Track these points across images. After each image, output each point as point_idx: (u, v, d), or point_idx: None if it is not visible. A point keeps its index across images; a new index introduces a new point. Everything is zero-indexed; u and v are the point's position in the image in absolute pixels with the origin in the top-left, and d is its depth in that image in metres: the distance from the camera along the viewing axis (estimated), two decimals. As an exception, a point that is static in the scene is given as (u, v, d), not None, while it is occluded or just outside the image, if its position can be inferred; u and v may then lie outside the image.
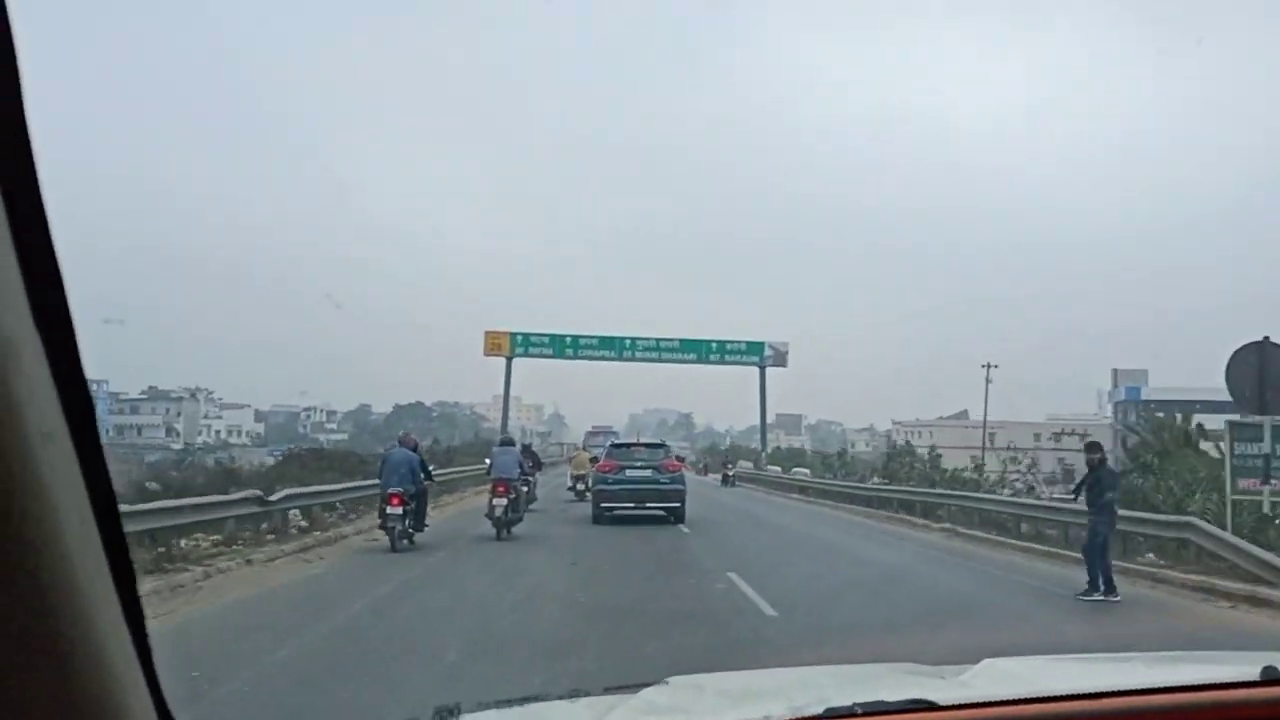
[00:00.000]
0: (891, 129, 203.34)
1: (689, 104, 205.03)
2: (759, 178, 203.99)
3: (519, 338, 46.35)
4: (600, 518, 17.72)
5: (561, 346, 46.39)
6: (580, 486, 26.30)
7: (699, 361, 47.08)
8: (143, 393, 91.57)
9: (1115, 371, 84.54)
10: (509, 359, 46.24)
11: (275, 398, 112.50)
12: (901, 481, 28.04)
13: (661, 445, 20.86)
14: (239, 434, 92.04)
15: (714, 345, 47.06)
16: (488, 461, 16.51)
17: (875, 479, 31.14)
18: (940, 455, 33.18)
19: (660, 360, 47.07)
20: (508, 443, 16.61)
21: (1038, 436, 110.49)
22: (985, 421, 68.31)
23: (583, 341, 46.58)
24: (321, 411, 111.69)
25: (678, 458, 21.80)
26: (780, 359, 47.24)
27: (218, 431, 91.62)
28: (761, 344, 47.20)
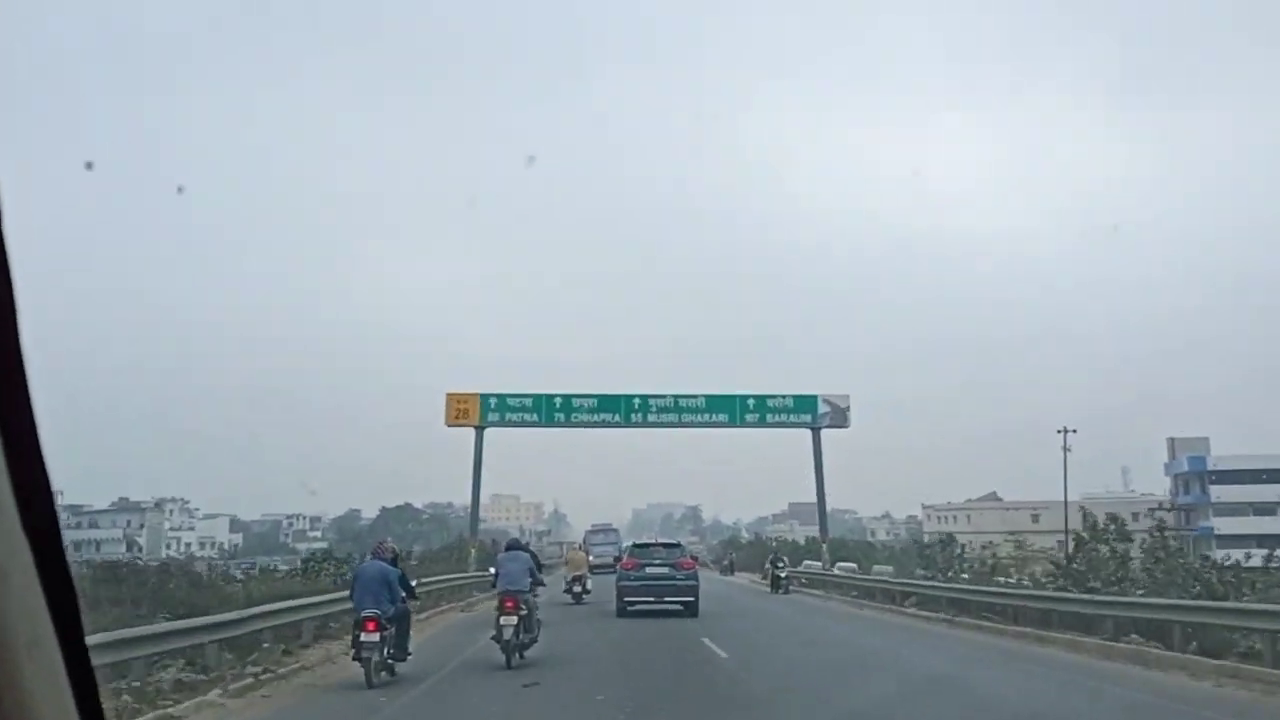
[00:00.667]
0: (914, 220, 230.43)
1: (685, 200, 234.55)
2: (762, 258, 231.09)
3: (491, 401, 47.22)
4: (623, 611, 24.51)
5: (549, 410, 47.21)
6: (577, 588, 29.41)
7: (730, 424, 47.82)
8: (112, 504, 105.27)
9: (1172, 441, 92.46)
10: (479, 429, 46.97)
11: (266, 506, 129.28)
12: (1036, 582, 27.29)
13: (677, 545, 28.61)
14: (211, 546, 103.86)
15: (751, 402, 47.84)
16: (492, 570, 17.53)
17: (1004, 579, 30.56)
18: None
19: (679, 424, 47.82)
20: (516, 546, 17.33)
21: (1085, 515, 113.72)
22: (1066, 501, 73.70)
23: (576, 403, 47.41)
24: (304, 519, 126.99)
25: (691, 556, 28.49)
26: (840, 417, 48.01)
27: (188, 544, 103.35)
28: (814, 398, 48.01)
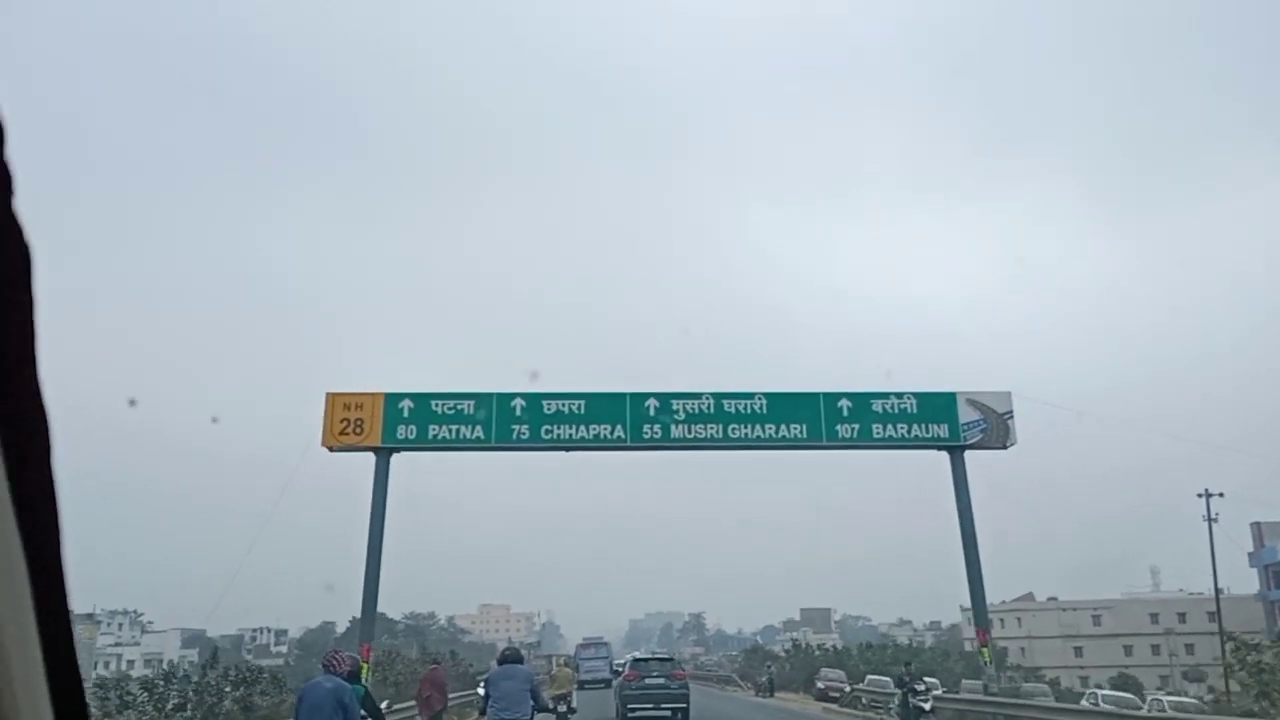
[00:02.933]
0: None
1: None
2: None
3: (403, 406, 27.52)
4: (625, 717, 28.67)
5: (505, 421, 27.45)
6: (561, 708, 26.51)
7: (811, 443, 27.96)
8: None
9: (1258, 527, 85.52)
10: (381, 453, 27.29)
11: (245, 619, 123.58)
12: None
13: (670, 659, 33.29)
14: (158, 664, 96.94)
15: (848, 404, 28.04)
16: (481, 690, 17.22)
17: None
18: None
19: (725, 443, 27.92)
20: (513, 659, 12.97)
21: (1155, 618, 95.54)
22: (1217, 590, 67.17)
23: (549, 410, 27.64)
24: (269, 632, 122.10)
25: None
26: (996, 430, 28.13)
27: (130, 662, 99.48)
28: (951, 397, 28.26)
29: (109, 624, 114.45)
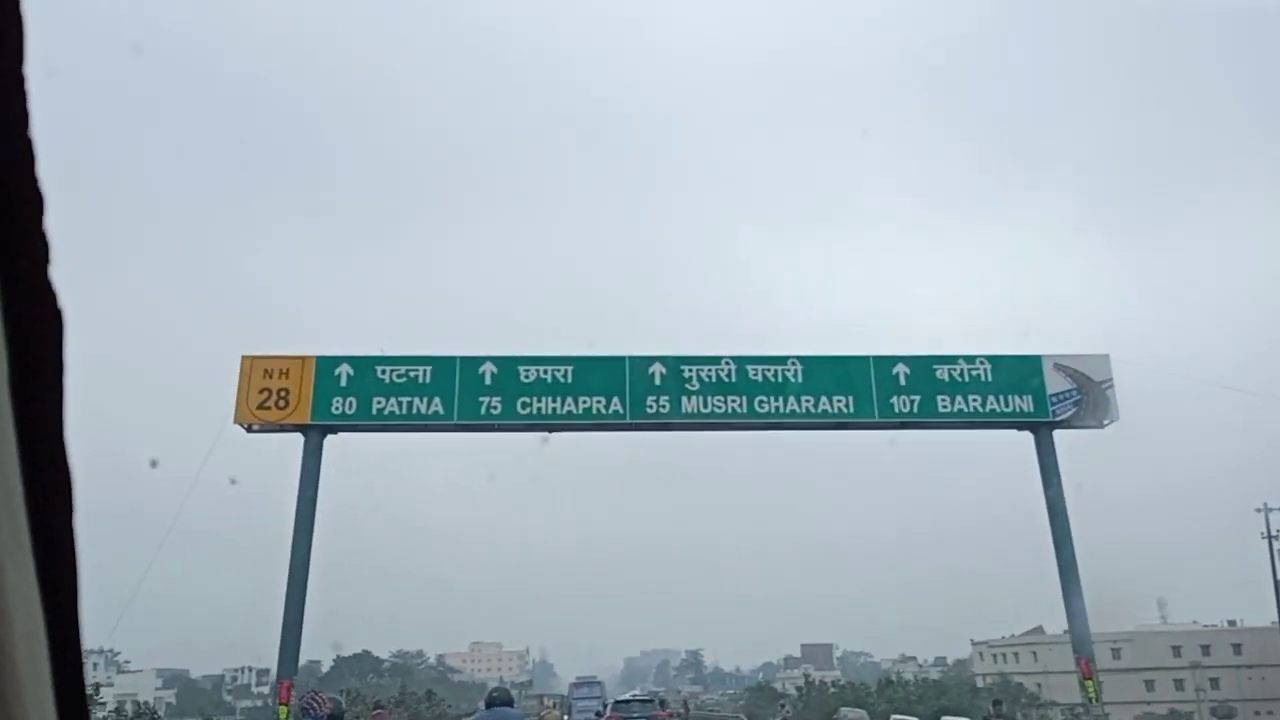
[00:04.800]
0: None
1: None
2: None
3: (340, 372, 21.41)
4: None
5: (469, 393, 21.34)
6: None
7: (858, 421, 21.86)
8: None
9: None
10: (309, 430, 21.15)
11: (228, 659, 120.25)
12: None
13: (651, 700, 39.28)
14: (126, 706, 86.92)
15: (905, 371, 21.99)
16: None
17: None
18: None
19: (751, 422, 21.84)
20: (503, 701, 10.69)
21: (1177, 651, 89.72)
22: None
23: (526, 377, 21.54)
24: (250, 671, 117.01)
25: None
26: (1094, 403, 22.07)
27: (101, 704, 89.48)
28: (1037, 360, 22.21)
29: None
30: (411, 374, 21.41)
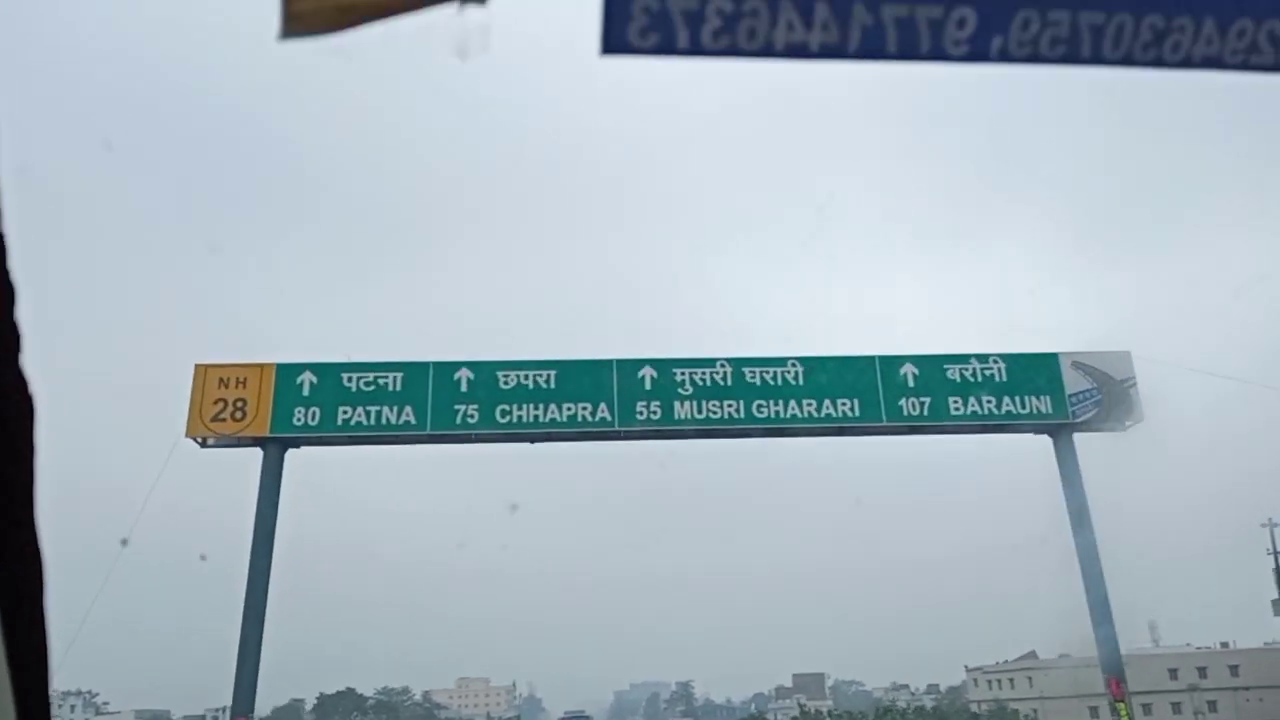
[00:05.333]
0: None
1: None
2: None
3: (302, 380, 19.65)
4: None
5: (444, 400, 19.61)
6: None
7: (865, 426, 20.23)
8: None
9: None
10: (268, 443, 19.36)
11: (215, 698, 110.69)
12: None
13: None
14: None
15: (913, 372, 20.38)
16: None
17: None
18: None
19: (746, 427, 20.15)
20: None
21: (1174, 674, 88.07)
22: None
23: (505, 382, 19.84)
24: (227, 711, 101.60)
25: None
26: (1115, 403, 20.52)
27: None
28: (1053, 358, 20.65)
29: (60, 705, 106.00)
30: (380, 381, 19.68)
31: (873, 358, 20.41)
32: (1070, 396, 20.34)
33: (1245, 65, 1.81)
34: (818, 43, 1.67)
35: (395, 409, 19.44)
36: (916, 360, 20.43)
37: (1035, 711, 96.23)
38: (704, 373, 20.15)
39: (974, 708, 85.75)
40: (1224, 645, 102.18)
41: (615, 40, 1.62)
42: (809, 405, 19.94)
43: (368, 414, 19.40)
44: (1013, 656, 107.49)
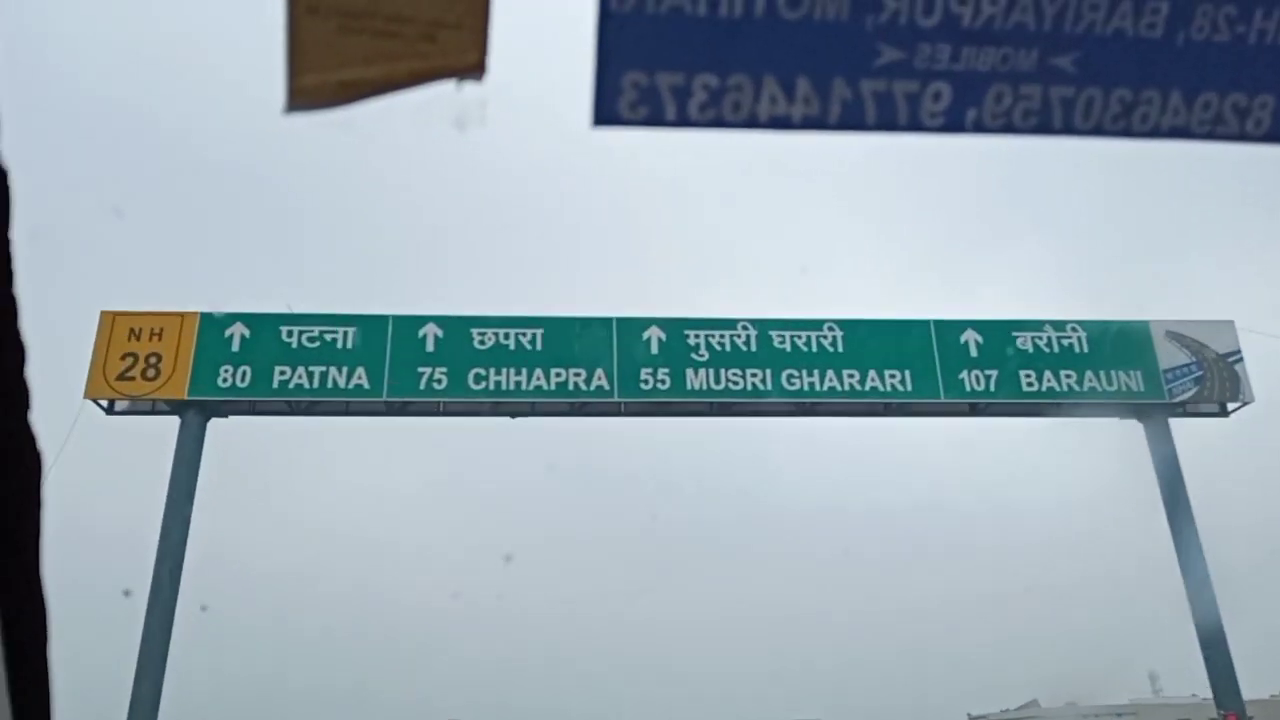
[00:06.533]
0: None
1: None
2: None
3: (231, 333, 15.90)
4: None
5: (405, 361, 15.87)
6: None
7: (918, 402, 16.53)
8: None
9: None
10: (186, 409, 15.56)
11: None
12: None
13: None
14: None
15: (976, 340, 16.73)
16: None
17: None
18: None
19: (773, 402, 16.45)
20: None
21: None
22: None
23: (482, 342, 16.12)
24: None
25: None
26: (1219, 381, 16.86)
27: None
28: (1145, 327, 17.02)
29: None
30: (328, 336, 15.93)
31: (927, 322, 16.75)
32: (1165, 372, 16.68)
33: (1211, 135, 1.90)
34: (800, 115, 1.77)
35: (345, 370, 15.69)
36: (981, 326, 16.78)
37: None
38: (722, 335, 16.46)
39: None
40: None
41: (606, 113, 1.72)
42: (850, 377, 16.24)
43: (310, 376, 15.63)
44: (1013, 706, 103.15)
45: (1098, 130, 1.86)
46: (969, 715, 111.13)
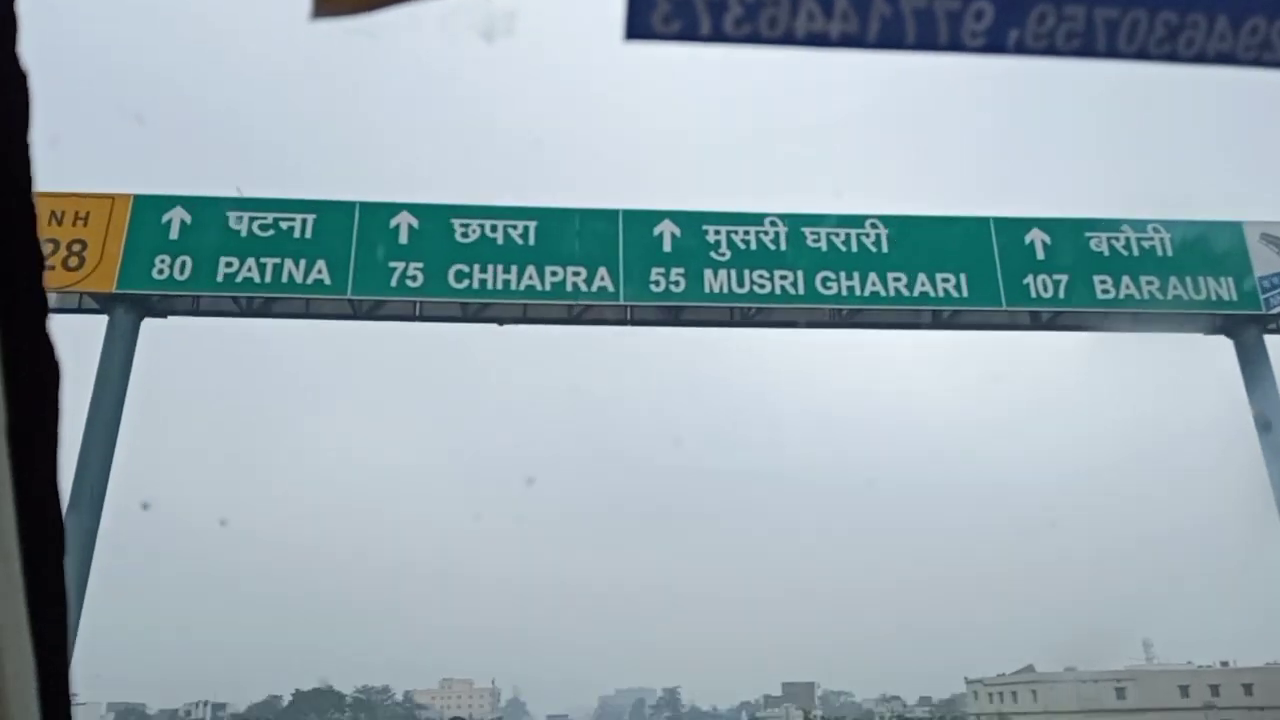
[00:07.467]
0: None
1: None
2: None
3: (164, 219, 13.38)
4: None
5: (375, 253, 13.38)
6: None
7: (977, 310, 14.09)
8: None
9: None
10: (114, 304, 13.09)
11: (195, 692, 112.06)
12: None
13: None
14: None
15: (1047, 240, 14.22)
16: None
17: None
18: None
19: (805, 309, 14.03)
20: None
21: (1185, 691, 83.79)
22: None
23: (466, 234, 13.63)
24: (205, 706, 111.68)
25: None
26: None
27: None
28: (1238, 228, 14.50)
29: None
30: (284, 224, 13.43)
31: (987, 219, 14.23)
32: (1261, 280, 14.21)
33: (1258, 61, 1.84)
34: (837, 32, 1.70)
35: (303, 264, 13.21)
36: (1048, 225, 14.27)
37: None
38: (748, 232, 13.96)
39: (971, 719, 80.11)
40: (1224, 664, 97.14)
41: (639, 26, 1.66)
42: (896, 281, 13.76)
43: (262, 269, 13.15)
44: (1009, 670, 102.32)
45: (1142, 54, 1.82)
46: (966, 679, 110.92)
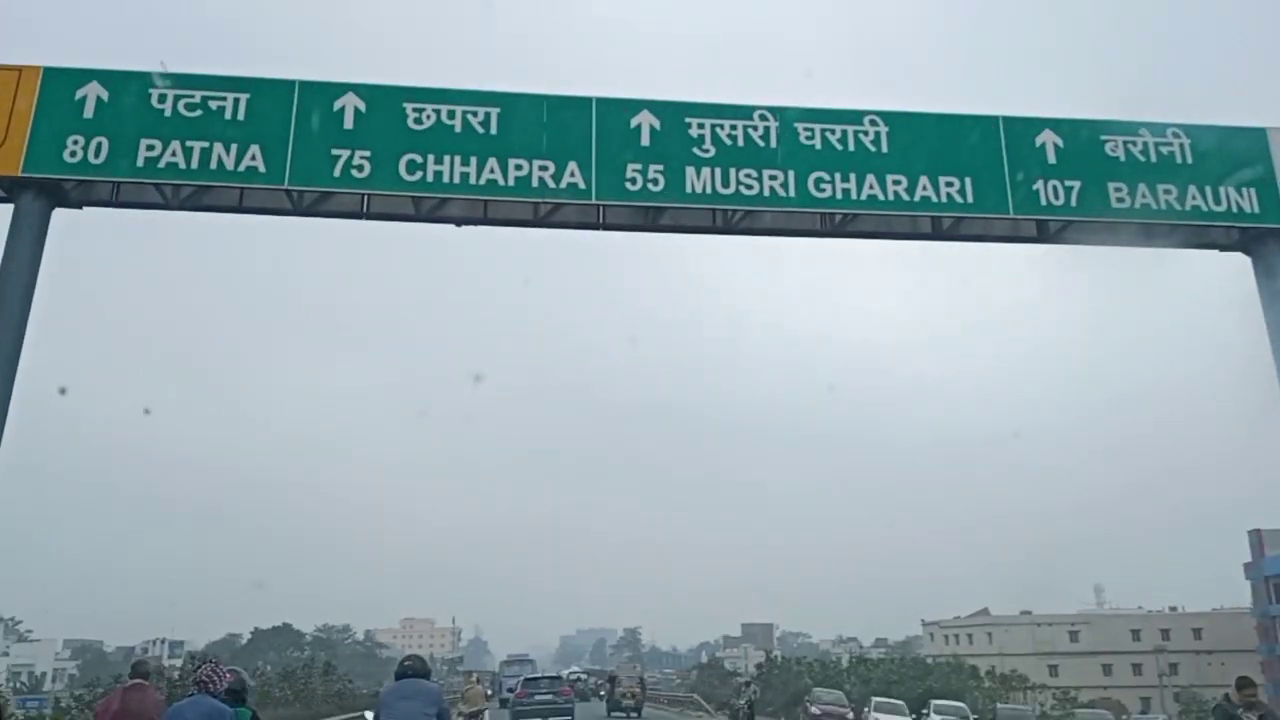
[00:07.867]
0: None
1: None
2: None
3: (78, 95, 11.76)
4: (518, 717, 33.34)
5: (316, 139, 11.86)
6: None
7: (981, 215, 12.90)
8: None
9: (1259, 534, 75.15)
10: (20, 189, 11.54)
11: (149, 630, 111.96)
12: None
13: (558, 677, 42.03)
14: (26, 677, 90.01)
15: (1059, 143, 12.99)
16: (369, 717, 13.79)
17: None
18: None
19: (793, 211, 12.77)
20: (414, 672, 8.45)
21: (1136, 635, 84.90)
22: None
23: (420, 121, 12.14)
24: (163, 643, 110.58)
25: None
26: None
27: None
28: (1261, 133, 13.38)
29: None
30: (214, 104, 11.86)
31: (995, 118, 12.98)
32: (1286, 188, 13.13)
33: None
34: None
35: (234, 149, 11.68)
36: (1060, 126, 13.06)
37: (994, 668, 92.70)
38: (734, 125, 12.61)
39: (928, 660, 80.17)
40: (1172, 609, 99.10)
41: None
42: (895, 184, 12.52)
43: (188, 153, 11.60)
44: (964, 614, 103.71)
45: None
46: (923, 621, 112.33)
